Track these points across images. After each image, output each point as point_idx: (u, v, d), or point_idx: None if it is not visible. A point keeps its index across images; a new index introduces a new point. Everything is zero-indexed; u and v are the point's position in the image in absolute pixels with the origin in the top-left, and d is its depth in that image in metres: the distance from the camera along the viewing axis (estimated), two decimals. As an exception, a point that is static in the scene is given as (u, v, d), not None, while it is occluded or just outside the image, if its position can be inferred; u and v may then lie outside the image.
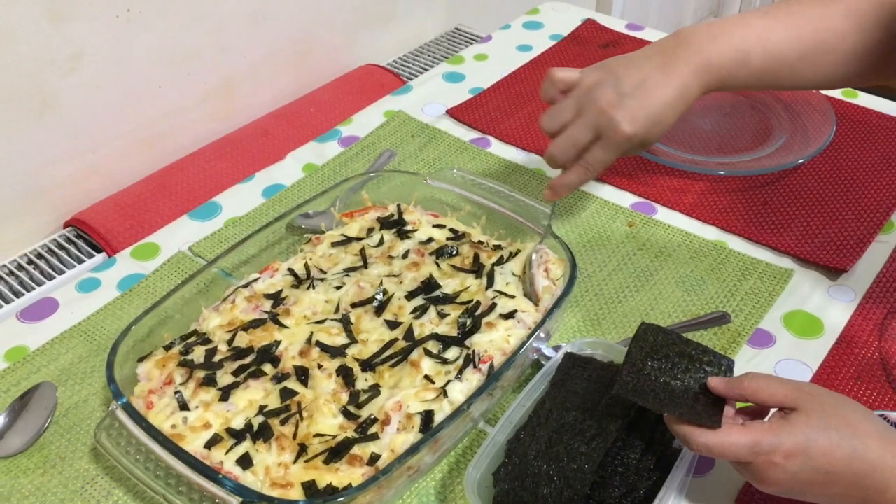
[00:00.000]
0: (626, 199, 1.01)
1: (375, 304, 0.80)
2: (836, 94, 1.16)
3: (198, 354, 0.75)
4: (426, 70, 1.32)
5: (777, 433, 0.59)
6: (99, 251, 0.99)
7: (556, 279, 0.81)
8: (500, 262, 0.83)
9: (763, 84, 0.84)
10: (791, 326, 0.84)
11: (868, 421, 0.60)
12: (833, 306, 0.86)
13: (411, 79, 1.28)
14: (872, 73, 0.82)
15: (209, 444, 0.68)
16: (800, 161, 1.02)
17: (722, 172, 1.03)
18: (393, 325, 0.78)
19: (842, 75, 0.82)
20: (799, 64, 0.81)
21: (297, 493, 0.64)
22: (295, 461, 0.67)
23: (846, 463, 0.58)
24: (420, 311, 0.78)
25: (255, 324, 0.78)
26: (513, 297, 0.78)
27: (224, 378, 0.73)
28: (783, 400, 0.61)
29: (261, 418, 0.69)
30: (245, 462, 0.66)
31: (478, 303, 0.78)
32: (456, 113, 1.15)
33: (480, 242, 0.87)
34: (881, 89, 1.17)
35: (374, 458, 0.67)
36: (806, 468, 0.58)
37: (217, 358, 0.75)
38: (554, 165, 0.83)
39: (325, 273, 0.84)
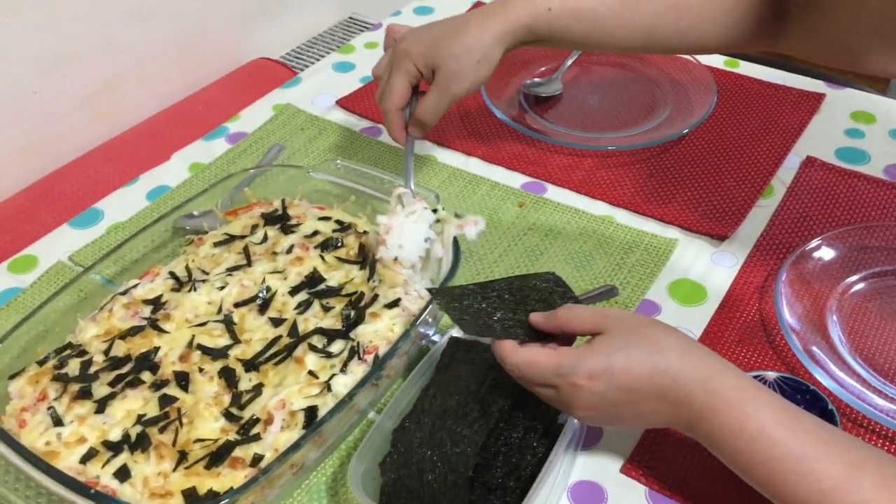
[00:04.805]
0: (517, 179, 1.01)
1: (259, 301, 0.78)
2: (719, 63, 1.19)
3: (73, 367, 0.73)
4: (319, 61, 1.30)
5: (580, 355, 0.60)
6: (-24, 267, 0.95)
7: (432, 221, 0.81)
8: None
9: (577, 38, 0.86)
10: (676, 295, 0.85)
11: (670, 335, 0.61)
12: (715, 272, 0.88)
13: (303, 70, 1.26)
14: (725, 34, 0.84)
15: (84, 459, 0.65)
16: (684, 132, 1.04)
17: (611, 148, 1.04)
18: (277, 322, 0.76)
19: (670, 33, 0.84)
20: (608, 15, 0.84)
21: (177, 502, 0.63)
22: (175, 469, 0.65)
23: (648, 378, 0.59)
24: (304, 306, 0.77)
25: (134, 331, 0.75)
26: (394, 286, 0.78)
27: (100, 389, 0.71)
28: (591, 327, 0.62)
29: (139, 428, 0.68)
30: (123, 474, 0.64)
31: (361, 294, 0.78)
32: (345, 103, 1.14)
33: (366, 232, 0.86)
34: (763, 56, 1.19)
35: (257, 459, 0.65)
36: (611, 388, 0.59)
37: (93, 369, 0.72)
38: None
39: (207, 274, 0.82)
